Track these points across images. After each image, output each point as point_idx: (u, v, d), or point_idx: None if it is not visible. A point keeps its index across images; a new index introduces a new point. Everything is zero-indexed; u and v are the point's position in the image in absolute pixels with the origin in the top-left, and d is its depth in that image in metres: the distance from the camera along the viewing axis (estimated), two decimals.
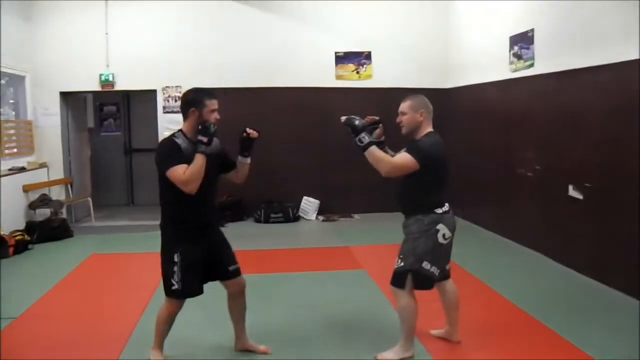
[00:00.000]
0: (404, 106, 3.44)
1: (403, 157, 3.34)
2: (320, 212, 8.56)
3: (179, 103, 8.14)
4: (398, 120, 3.47)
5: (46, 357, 3.65)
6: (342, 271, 5.70)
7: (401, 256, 3.41)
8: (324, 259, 6.31)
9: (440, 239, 3.37)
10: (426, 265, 3.35)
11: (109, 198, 9.80)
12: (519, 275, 5.46)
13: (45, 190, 7.80)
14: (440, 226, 3.36)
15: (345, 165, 8.49)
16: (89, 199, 8.50)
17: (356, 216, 8.60)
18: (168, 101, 8.26)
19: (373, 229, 7.71)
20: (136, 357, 3.61)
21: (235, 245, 6.55)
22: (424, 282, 3.39)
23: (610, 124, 5.02)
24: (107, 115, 9.91)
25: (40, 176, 7.83)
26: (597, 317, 4.29)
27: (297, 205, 8.54)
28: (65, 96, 8.30)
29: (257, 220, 8.25)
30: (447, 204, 3.44)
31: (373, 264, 5.80)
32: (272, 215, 8.20)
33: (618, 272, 4.87)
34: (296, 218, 8.37)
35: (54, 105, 8.14)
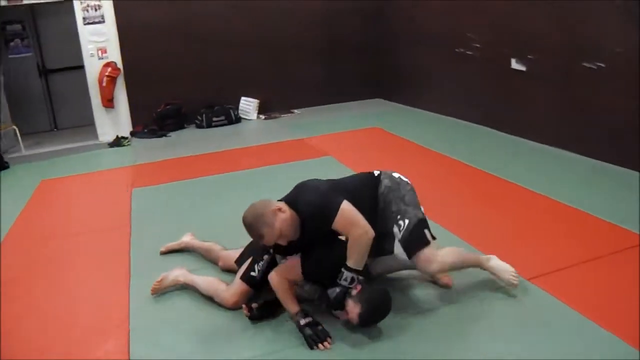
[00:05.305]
0: (268, 238, 2.68)
1: (348, 219, 2.68)
2: (259, 111, 8.48)
3: (100, 12, 7.60)
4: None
5: (35, 277, 3.62)
6: (310, 160, 5.78)
7: (398, 216, 2.86)
8: (285, 152, 6.29)
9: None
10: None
11: (31, 125, 9.10)
12: (474, 147, 5.86)
13: None
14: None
15: (282, 61, 8.42)
16: (15, 127, 7.94)
17: (296, 111, 8.63)
18: (87, 11, 7.56)
19: (319, 122, 7.74)
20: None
21: (185, 152, 6.57)
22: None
23: None
24: (12, 34, 9.04)
25: None
26: (554, 174, 4.84)
27: (238, 107, 8.44)
28: None
29: (199, 126, 8.07)
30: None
31: (336, 150, 6.00)
32: (215, 119, 8.06)
33: (570, 135, 5.26)
34: (238, 119, 8.28)
35: None
